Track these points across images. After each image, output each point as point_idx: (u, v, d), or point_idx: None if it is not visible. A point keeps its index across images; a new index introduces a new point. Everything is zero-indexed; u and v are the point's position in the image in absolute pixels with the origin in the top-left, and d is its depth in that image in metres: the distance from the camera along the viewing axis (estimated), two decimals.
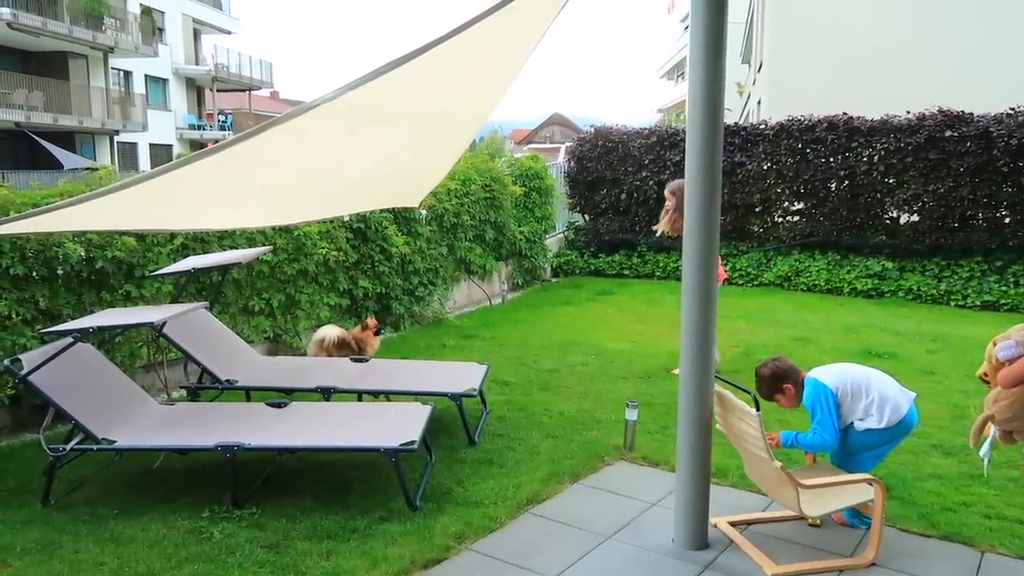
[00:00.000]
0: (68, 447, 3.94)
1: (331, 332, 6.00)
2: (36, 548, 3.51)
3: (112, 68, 29.41)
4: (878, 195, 10.54)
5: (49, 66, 26.22)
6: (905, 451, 4.77)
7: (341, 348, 5.93)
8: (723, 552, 3.52)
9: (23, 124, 24.30)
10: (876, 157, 10.40)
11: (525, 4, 3.42)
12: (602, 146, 12.31)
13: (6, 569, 3.35)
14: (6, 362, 3.95)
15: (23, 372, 3.86)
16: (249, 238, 6.46)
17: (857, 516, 3.76)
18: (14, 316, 4.89)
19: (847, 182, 10.67)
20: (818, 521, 3.77)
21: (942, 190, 9.96)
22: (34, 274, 5.03)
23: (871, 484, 3.43)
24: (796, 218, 11.40)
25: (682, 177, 3.56)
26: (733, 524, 3.75)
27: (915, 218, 10.44)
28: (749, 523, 3.79)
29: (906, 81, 14.45)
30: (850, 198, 10.69)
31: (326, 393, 4.89)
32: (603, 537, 3.65)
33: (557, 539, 3.63)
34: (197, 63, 36.50)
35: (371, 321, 6.23)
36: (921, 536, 3.69)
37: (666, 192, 6.48)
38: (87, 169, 7.58)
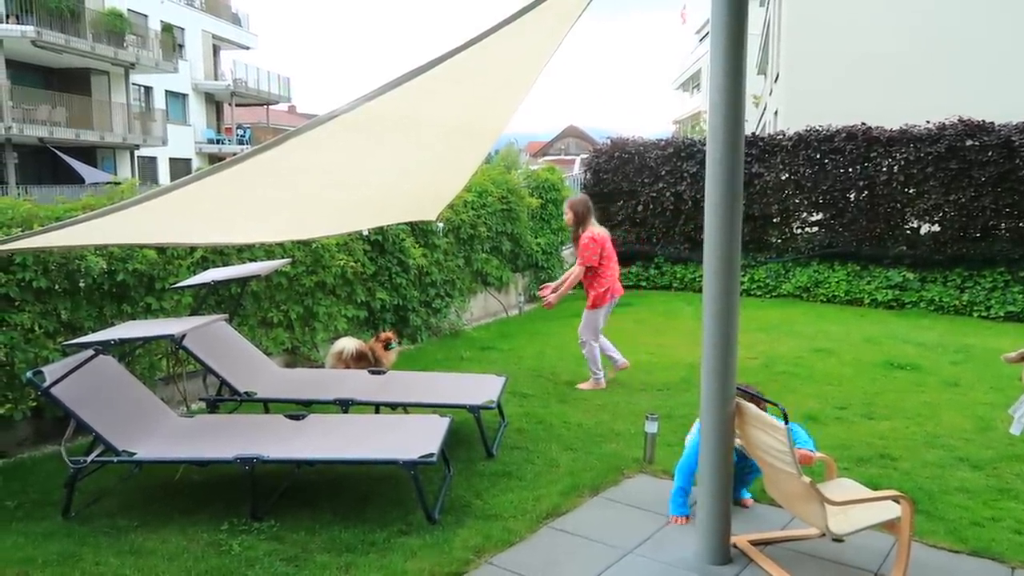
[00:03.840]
0: (89, 459, 3.95)
1: (349, 344, 6.00)
2: (57, 560, 3.52)
3: (133, 84, 29.82)
4: (898, 205, 10.45)
5: (72, 82, 26.63)
6: (931, 464, 4.70)
7: (359, 360, 5.93)
8: (746, 568, 3.46)
9: (46, 139, 24.67)
10: (896, 167, 10.32)
11: (540, 16, 3.43)
12: (618, 157, 12.31)
13: None
14: (29, 374, 3.98)
15: (45, 384, 3.88)
16: (268, 251, 6.50)
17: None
18: (37, 329, 4.93)
19: (866, 192, 10.59)
20: (843, 537, 3.70)
21: (963, 200, 9.86)
22: (56, 287, 5.08)
23: (898, 501, 3.37)
24: (815, 229, 11.33)
25: (701, 187, 3.53)
26: (753, 543, 3.69)
27: (936, 228, 10.34)
28: (770, 542, 3.73)
29: (925, 91, 14.33)
30: (870, 208, 10.60)
31: (344, 405, 4.89)
32: (624, 551, 3.61)
33: (577, 553, 3.59)
34: (216, 78, 36.93)
35: (383, 334, 6.25)
36: (950, 552, 3.62)
37: (565, 207, 6.65)
38: (109, 184, 7.67)
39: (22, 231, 4.67)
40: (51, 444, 5.04)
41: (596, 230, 6.46)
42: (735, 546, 3.60)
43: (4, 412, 4.80)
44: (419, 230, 8.30)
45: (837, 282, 10.63)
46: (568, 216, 6.53)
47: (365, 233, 7.46)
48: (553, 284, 6.74)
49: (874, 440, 5.14)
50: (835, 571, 3.45)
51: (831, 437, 5.15)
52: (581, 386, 6.50)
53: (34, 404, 4.92)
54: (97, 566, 3.47)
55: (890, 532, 3.47)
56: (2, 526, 3.88)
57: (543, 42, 3.98)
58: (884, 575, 3.39)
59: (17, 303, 4.89)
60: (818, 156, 10.82)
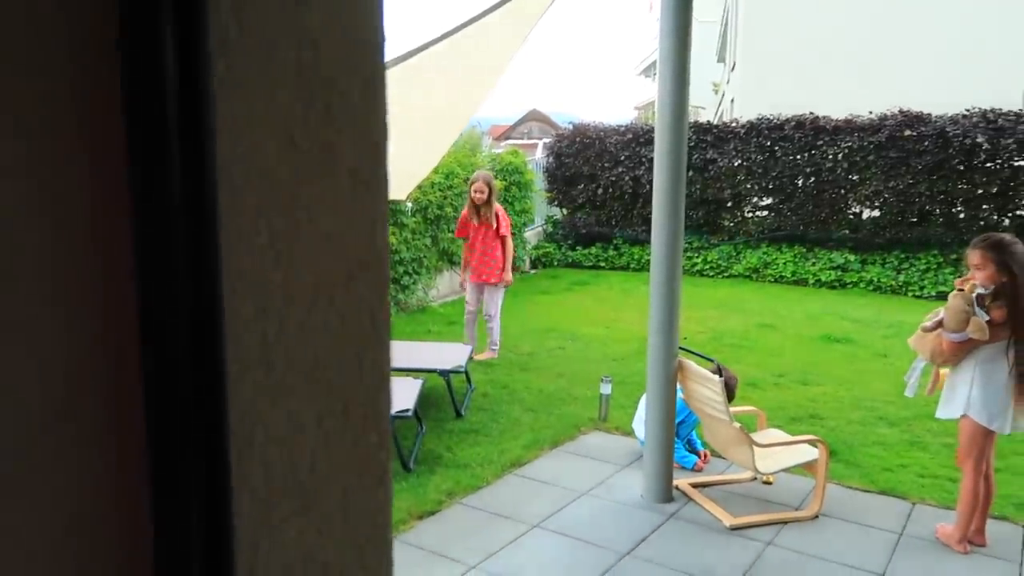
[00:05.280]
0: None
1: None
2: None
3: None
4: (842, 191, 11.06)
5: None
6: (855, 422, 5.25)
7: None
8: (686, 505, 3.95)
9: None
10: (840, 155, 10.92)
11: (512, 8, 3.81)
12: (580, 142, 12.74)
13: None
14: None
15: None
16: None
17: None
18: None
19: (813, 179, 11.19)
20: (771, 479, 4.21)
21: (902, 187, 10.51)
22: None
23: (816, 445, 3.88)
24: (765, 213, 11.91)
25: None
26: (694, 485, 4.17)
27: (876, 213, 10.98)
28: (708, 485, 4.22)
29: (871, 82, 15.04)
30: (816, 194, 11.21)
31: None
32: (579, 493, 4.06)
33: (538, 494, 4.03)
34: None
35: None
36: (862, 491, 4.15)
37: (480, 183, 6.61)
38: None
39: None
40: None
41: (498, 204, 6.75)
42: (677, 488, 4.08)
43: None
44: (388, 209, 8.62)
45: (784, 263, 11.24)
46: (484, 191, 6.53)
47: None
48: (499, 272, 6.76)
49: (806, 403, 5.68)
50: (763, 506, 3.95)
51: (769, 400, 5.67)
52: (482, 356, 6.67)
53: None
54: None
55: (810, 472, 3.99)
56: None
57: (514, 30, 4.36)
58: (804, 508, 3.89)
59: None
60: (768, 143, 11.38)
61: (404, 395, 4.50)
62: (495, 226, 6.65)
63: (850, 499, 4.04)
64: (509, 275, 6.85)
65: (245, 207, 0.35)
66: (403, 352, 5.70)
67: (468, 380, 5.77)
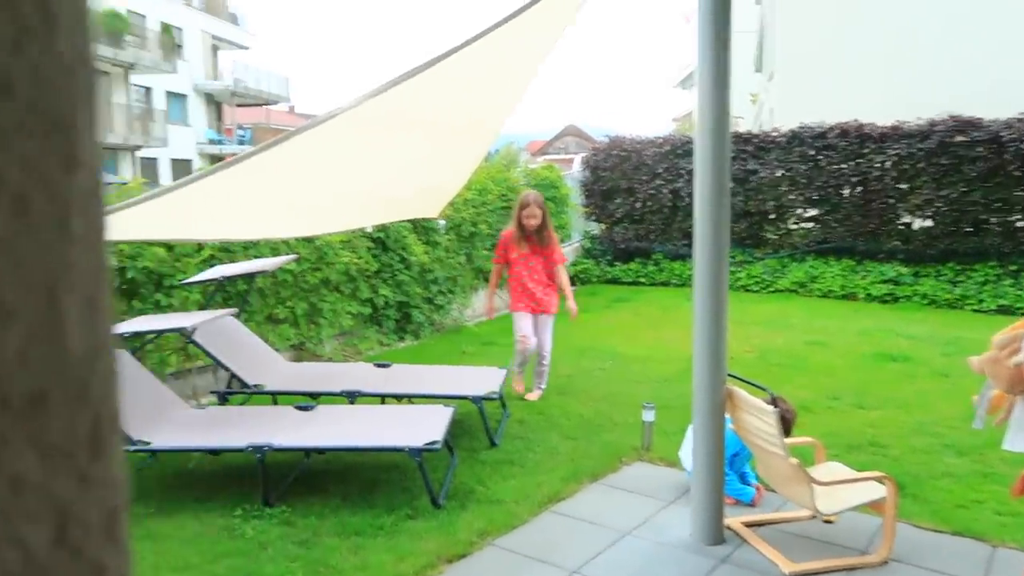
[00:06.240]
0: None
1: None
2: None
3: (133, 84, 29.95)
4: (891, 201, 10.59)
5: None
6: (919, 451, 4.86)
7: None
8: (739, 547, 3.62)
9: None
10: (888, 163, 10.47)
11: (538, 14, 3.57)
12: (616, 155, 12.46)
13: None
14: None
15: None
16: (273, 248, 6.65)
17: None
18: None
19: (860, 188, 10.74)
20: (834, 519, 3.86)
21: (955, 195, 10.01)
22: None
23: (882, 482, 3.53)
24: (810, 224, 11.47)
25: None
26: (747, 524, 3.84)
27: (928, 223, 10.48)
28: (762, 524, 3.88)
29: (916, 86, 14.49)
30: (863, 204, 10.75)
31: (351, 396, 5.04)
32: (622, 533, 3.76)
33: (577, 535, 3.74)
34: (216, 78, 37.07)
35: None
36: (934, 532, 3.77)
37: (534, 208, 5.89)
38: (114, 184, 7.82)
39: None
40: None
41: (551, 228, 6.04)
42: (729, 527, 3.76)
43: None
44: (421, 227, 8.45)
45: (832, 277, 10.78)
46: (538, 215, 5.83)
47: (369, 229, 7.62)
48: (568, 303, 6.11)
49: (865, 428, 5.30)
50: (824, 550, 3.60)
51: (823, 425, 5.30)
52: (533, 396, 6.06)
53: None
54: None
55: (876, 512, 3.63)
56: None
57: (543, 38, 4.13)
58: (871, 553, 3.53)
59: None
60: (812, 152, 10.97)
61: (433, 425, 4.26)
62: (551, 253, 6.00)
63: (921, 541, 3.67)
64: (575, 304, 6.11)
65: None
66: (433, 378, 5.47)
67: (503, 405, 5.51)
